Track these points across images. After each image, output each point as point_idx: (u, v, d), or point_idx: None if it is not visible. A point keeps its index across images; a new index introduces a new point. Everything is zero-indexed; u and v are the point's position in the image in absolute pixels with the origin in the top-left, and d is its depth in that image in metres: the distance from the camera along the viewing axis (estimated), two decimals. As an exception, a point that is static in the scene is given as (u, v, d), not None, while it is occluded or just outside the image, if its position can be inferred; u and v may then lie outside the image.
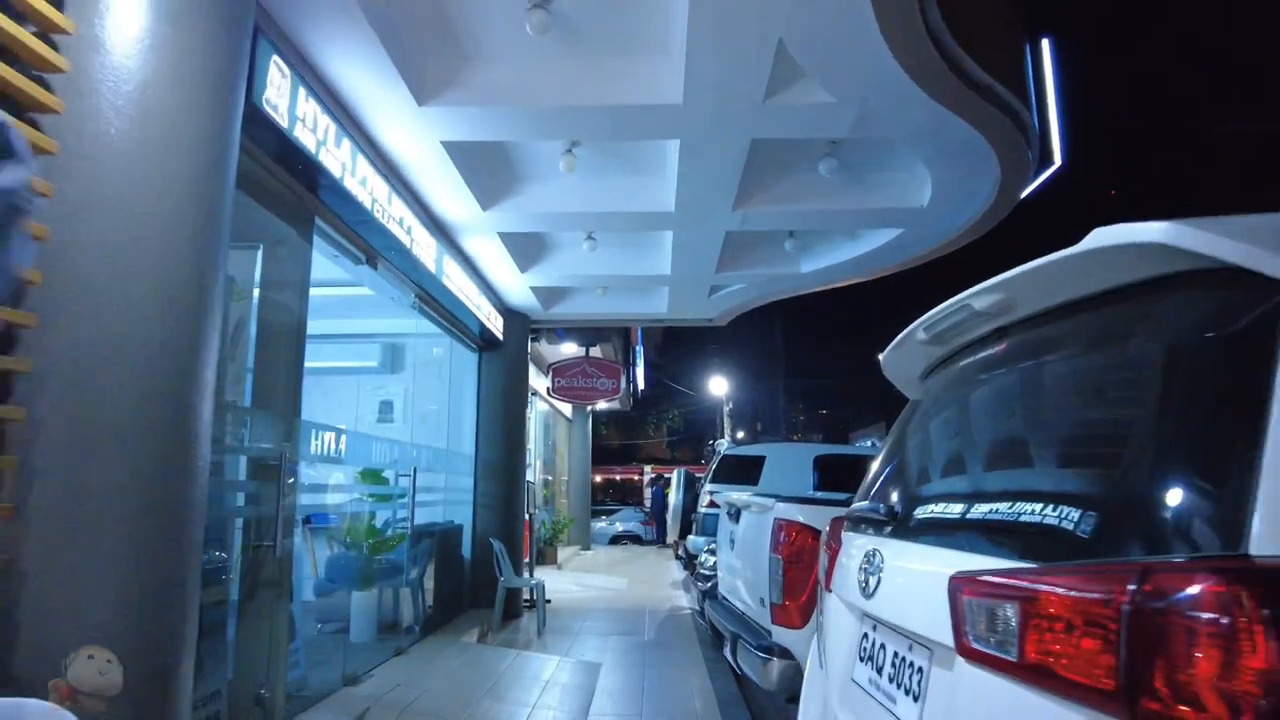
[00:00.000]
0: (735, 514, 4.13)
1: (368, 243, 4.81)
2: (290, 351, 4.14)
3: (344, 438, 4.60)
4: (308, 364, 8.20)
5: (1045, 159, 4.96)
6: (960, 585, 1.19)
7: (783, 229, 5.99)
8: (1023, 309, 1.50)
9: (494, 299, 7.57)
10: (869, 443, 28.95)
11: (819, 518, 3.30)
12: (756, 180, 5.19)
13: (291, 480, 3.92)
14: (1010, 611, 1.05)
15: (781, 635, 3.28)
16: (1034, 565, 1.11)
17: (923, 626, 1.36)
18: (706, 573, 6.38)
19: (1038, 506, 1.25)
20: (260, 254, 4.13)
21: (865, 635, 1.69)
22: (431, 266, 5.50)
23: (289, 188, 3.97)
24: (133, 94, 2.20)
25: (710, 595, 5.31)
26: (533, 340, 8.97)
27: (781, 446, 9.06)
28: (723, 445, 9.25)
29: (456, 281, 6.17)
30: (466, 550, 7.62)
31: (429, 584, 6.77)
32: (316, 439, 4.33)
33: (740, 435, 29.70)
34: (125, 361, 2.16)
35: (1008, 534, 1.29)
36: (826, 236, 6.53)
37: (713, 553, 6.49)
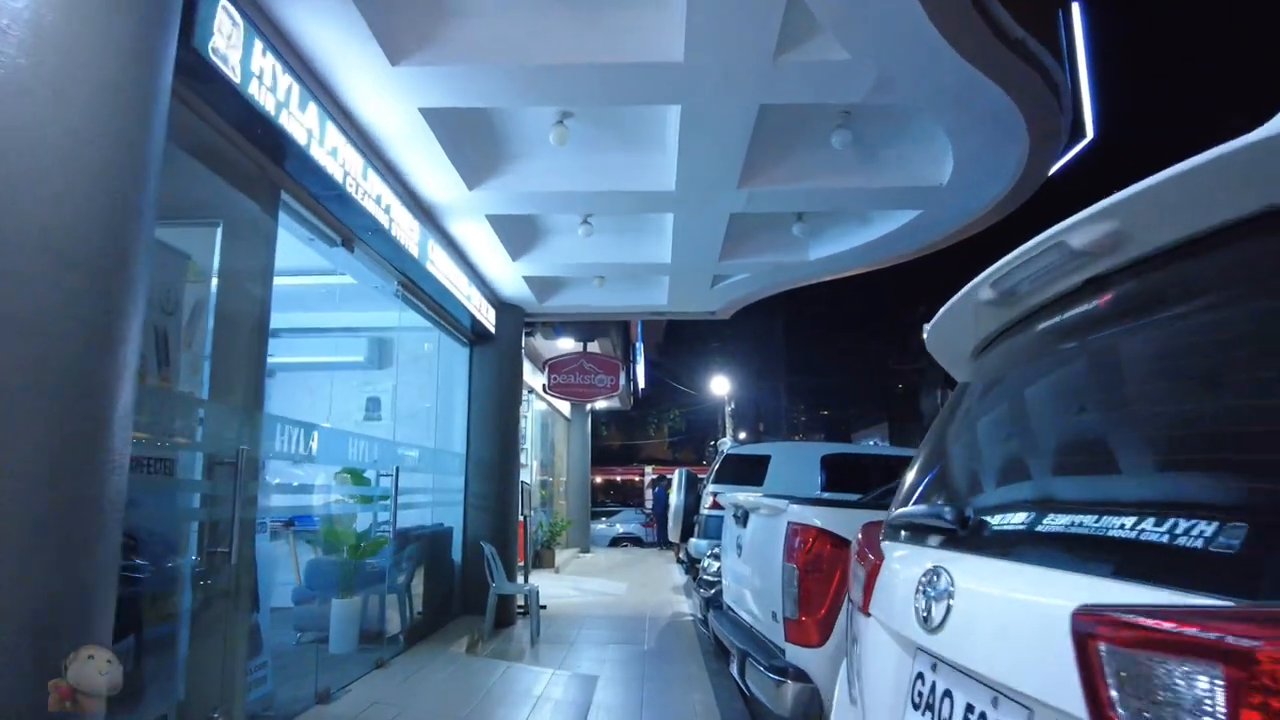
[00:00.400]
0: (742, 517, 3.75)
1: (342, 222, 4.44)
2: (253, 339, 3.76)
3: (315, 434, 4.23)
4: (289, 359, 7.84)
5: (1076, 131, 4.58)
6: (1095, 627, 0.81)
7: (791, 210, 5.61)
8: (1140, 245, 1.12)
9: (485, 290, 7.20)
10: (872, 442, 28.57)
11: (838, 522, 2.92)
12: (764, 156, 4.81)
13: (253, 480, 3.55)
14: (1199, 676, 0.67)
15: (797, 654, 2.90)
16: (1228, 602, 0.73)
17: (1020, 679, 0.98)
18: (710, 579, 6.00)
19: (1178, 515, 0.87)
20: (220, 231, 3.76)
21: (920, 676, 1.31)
22: (415, 251, 5.13)
23: (250, 157, 3.60)
24: (21, 12, 1.83)
25: (714, 604, 4.93)
26: (527, 335, 8.60)
27: (788, 446, 8.67)
28: (726, 444, 8.85)
29: (443, 269, 5.80)
30: (457, 554, 7.24)
31: (416, 590, 6.40)
32: (283, 435, 3.95)
33: (742, 436, 29.31)
34: (16, 332, 1.79)
35: (1140, 552, 0.91)
36: (836, 220, 6.15)
37: (717, 557, 6.11)
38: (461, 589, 7.18)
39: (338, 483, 5.19)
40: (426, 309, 6.37)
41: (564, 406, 15.88)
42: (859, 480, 8.52)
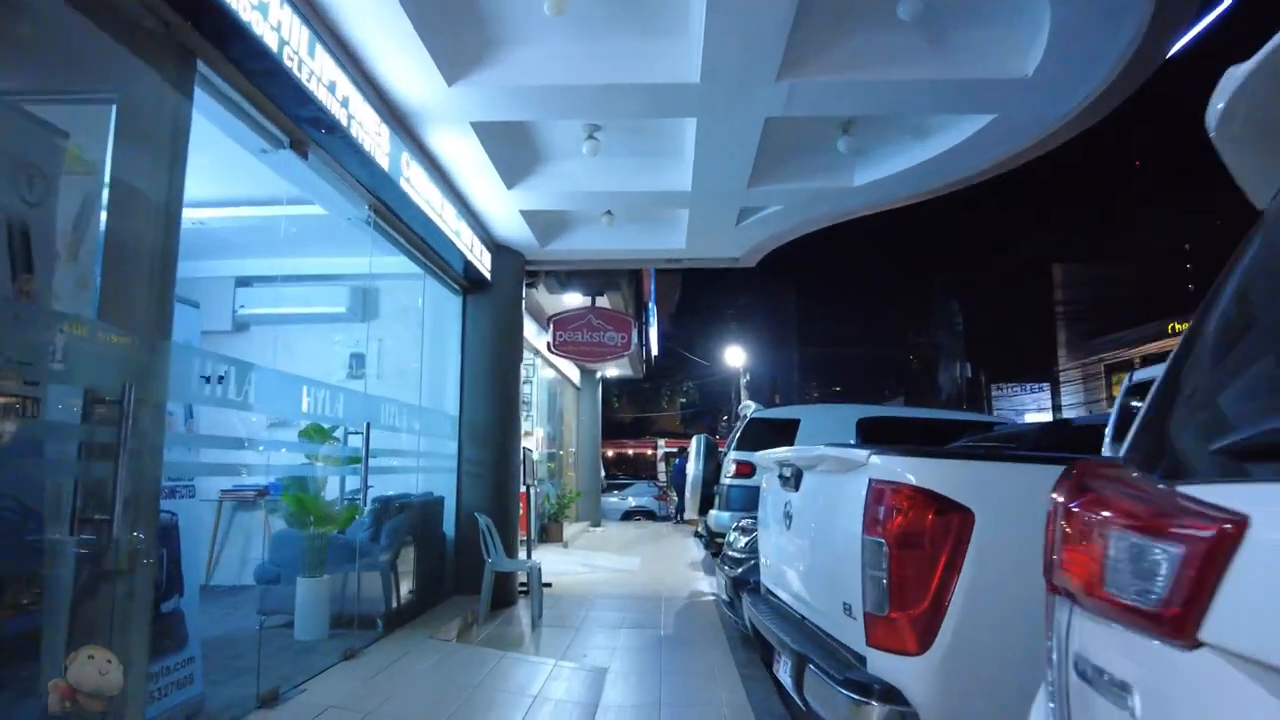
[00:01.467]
0: (793, 477, 2.89)
1: (286, 114, 3.56)
2: (159, 249, 2.92)
3: (251, 375, 3.39)
4: (262, 310, 7.01)
5: (1208, -3, 3.61)
6: None
7: (838, 114, 4.67)
8: None
9: (478, 228, 6.32)
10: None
11: (942, 478, 2.06)
12: (811, 36, 3.88)
13: (155, 428, 2.73)
14: None
15: (885, 664, 2.04)
16: None
17: None
18: (736, 555, 5.17)
19: None
20: (114, 111, 2.90)
21: None
22: (385, 163, 4.25)
23: (149, 7, 2.74)
24: None
25: (746, 586, 4.10)
26: (529, 286, 7.73)
27: (819, 409, 7.79)
28: (750, 408, 7.98)
29: (424, 193, 4.92)
30: (449, 526, 6.45)
31: (404, 566, 5.60)
32: (202, 374, 3.11)
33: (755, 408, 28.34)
34: None
35: None
36: (888, 135, 5.21)
37: (744, 531, 5.28)
38: (455, 565, 6.40)
39: (297, 441, 4.38)
40: (410, 246, 5.51)
41: (573, 374, 15.05)
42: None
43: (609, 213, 6.24)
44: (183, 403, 3.48)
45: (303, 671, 3.92)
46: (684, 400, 33.55)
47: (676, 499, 16.93)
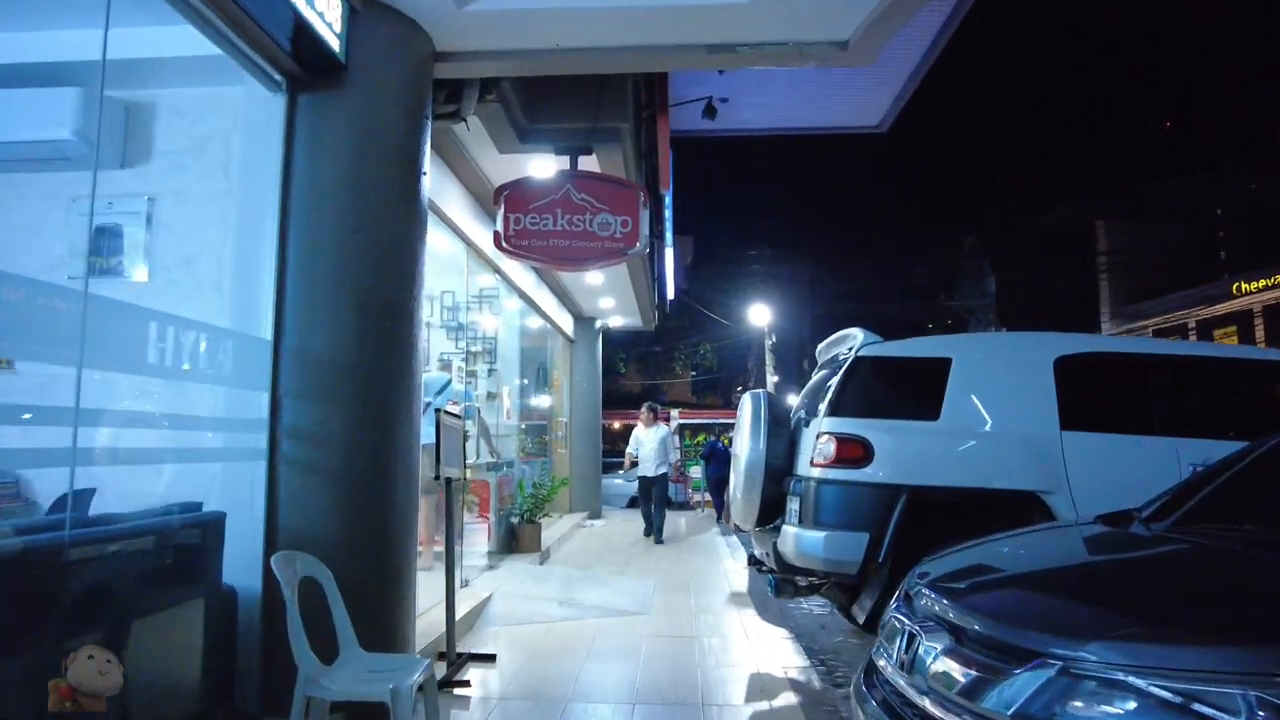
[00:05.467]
0: None
1: None
2: None
3: None
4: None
5: None
6: None
7: None
8: None
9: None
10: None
11: None
12: None
13: None
14: None
15: None
16: None
17: None
18: (956, 700, 1.74)
19: None
20: None
21: None
22: None
23: None
24: None
25: None
26: (448, 116, 4.25)
27: (983, 341, 4.35)
28: (855, 340, 4.48)
29: None
30: (244, 573, 3.04)
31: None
32: None
33: (776, 379, 25.02)
34: None
35: None
36: None
37: (935, 639, 1.85)
38: (261, 657, 3.01)
39: None
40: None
41: (566, 323, 11.60)
42: (1136, 406, 4.21)
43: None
44: None
45: None
46: (694, 371, 30.20)
47: (711, 499, 13.17)
